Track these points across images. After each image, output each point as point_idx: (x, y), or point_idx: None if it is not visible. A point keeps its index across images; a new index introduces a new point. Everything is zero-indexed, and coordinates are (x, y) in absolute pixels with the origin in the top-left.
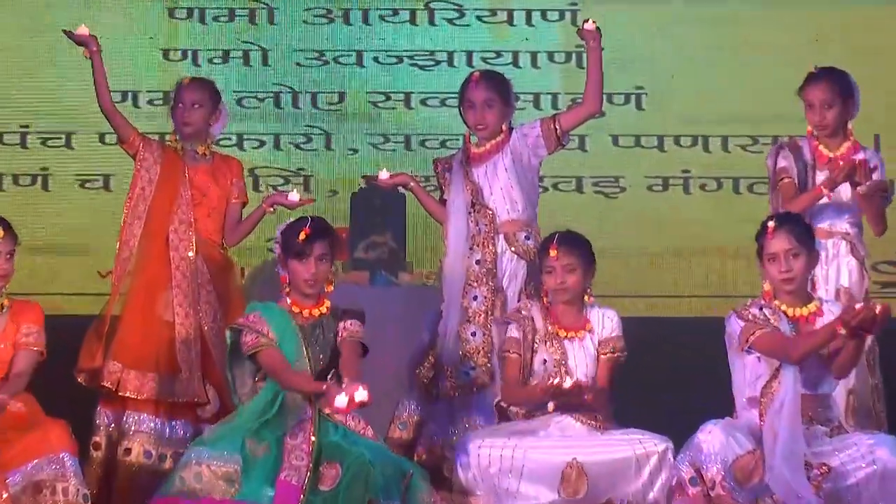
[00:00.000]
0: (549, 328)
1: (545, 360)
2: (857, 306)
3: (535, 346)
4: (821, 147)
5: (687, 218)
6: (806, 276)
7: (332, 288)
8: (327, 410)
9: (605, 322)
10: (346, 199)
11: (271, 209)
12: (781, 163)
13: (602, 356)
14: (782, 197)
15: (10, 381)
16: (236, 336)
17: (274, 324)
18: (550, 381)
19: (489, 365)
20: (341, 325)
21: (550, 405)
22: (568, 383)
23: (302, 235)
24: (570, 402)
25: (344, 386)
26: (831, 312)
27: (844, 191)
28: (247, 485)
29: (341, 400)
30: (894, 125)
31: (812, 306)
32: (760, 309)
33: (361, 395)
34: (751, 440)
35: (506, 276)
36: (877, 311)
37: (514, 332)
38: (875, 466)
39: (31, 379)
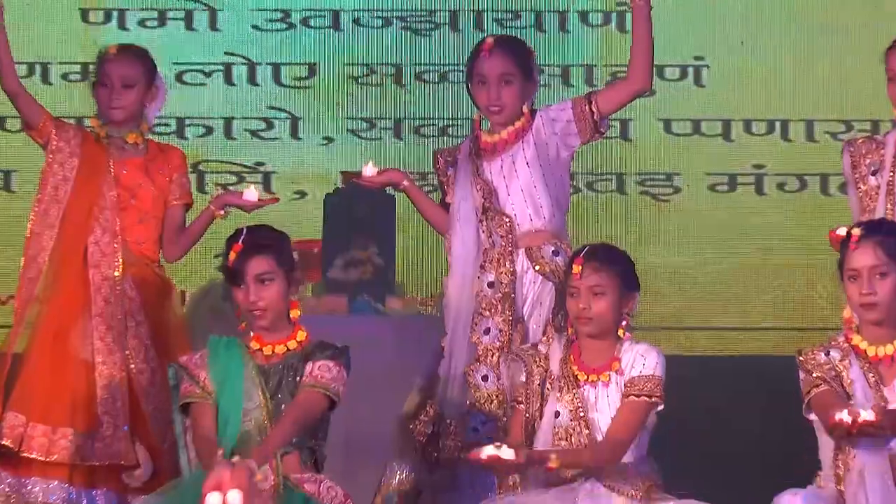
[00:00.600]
0: (566, 369)
1: (557, 413)
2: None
3: (546, 392)
4: None
5: (760, 226)
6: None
7: (298, 312)
8: None
9: (637, 360)
10: (319, 203)
11: (222, 213)
12: (846, 168)
13: (625, 398)
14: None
15: None
16: (177, 379)
17: (217, 369)
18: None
19: (505, 419)
20: (309, 365)
21: (553, 458)
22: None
23: (232, 254)
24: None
25: (226, 470)
26: None
27: None
28: None
29: (212, 500)
30: None
31: None
32: (827, 353)
33: (234, 499)
34: None
35: (527, 302)
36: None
37: (520, 374)
38: None
39: None
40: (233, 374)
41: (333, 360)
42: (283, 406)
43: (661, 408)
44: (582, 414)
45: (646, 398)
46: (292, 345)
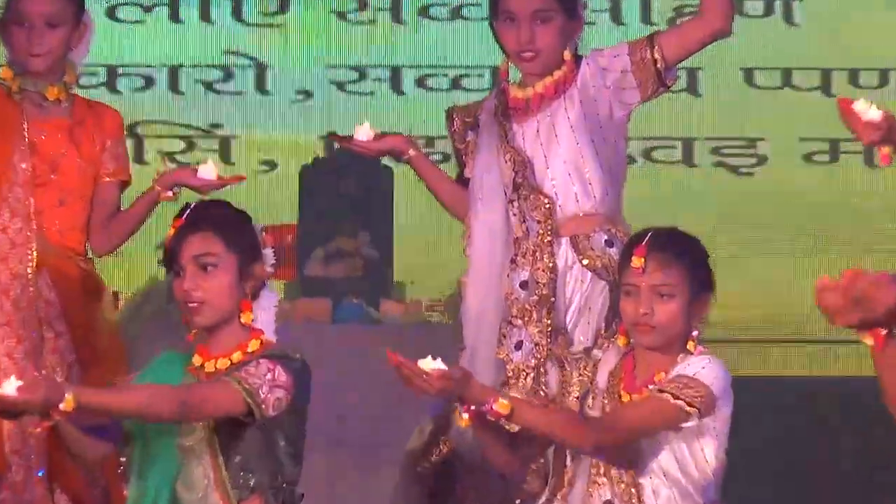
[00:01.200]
0: (613, 383)
1: None
2: None
3: (587, 410)
4: None
5: (872, 207)
6: None
7: (251, 315)
8: None
9: (690, 366)
10: (293, 177)
11: (169, 194)
12: None
13: (656, 391)
14: None
15: None
16: None
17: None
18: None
19: (543, 461)
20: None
21: (501, 404)
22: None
23: (171, 230)
24: None
25: None
26: None
27: None
28: None
29: None
30: None
31: None
32: None
33: None
34: None
35: (572, 307)
36: None
37: (553, 383)
38: None
39: None
40: None
41: (273, 360)
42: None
43: (689, 424)
44: None
45: (681, 401)
46: (238, 357)
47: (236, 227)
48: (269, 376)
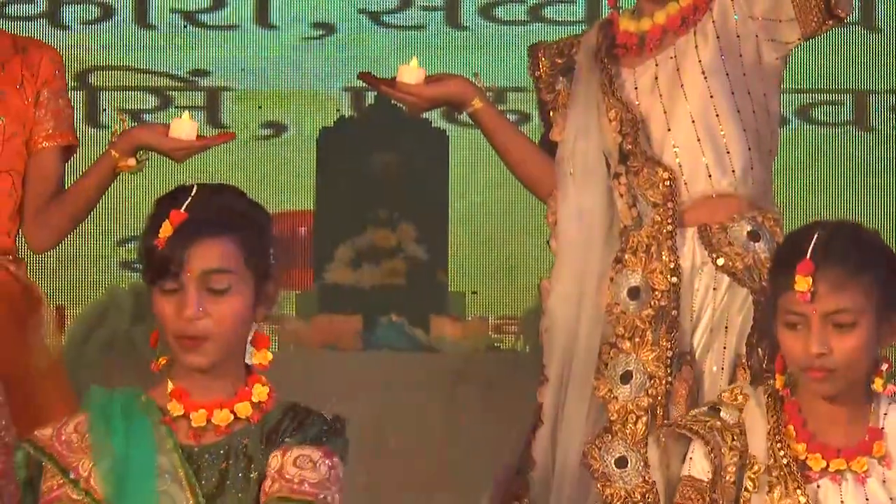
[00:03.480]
0: (782, 453)
1: None
2: None
3: (746, 495)
4: None
5: None
6: None
7: (269, 356)
8: None
9: None
10: (309, 143)
11: (132, 162)
12: None
13: None
14: None
15: None
16: (34, 466)
17: (110, 454)
18: None
19: None
20: (276, 456)
21: None
22: None
23: (165, 227)
24: None
25: None
26: None
27: None
28: None
29: None
30: None
31: None
32: None
33: None
34: None
35: (701, 325)
36: None
37: (697, 462)
38: None
39: None
40: (140, 462)
41: (320, 446)
42: None
43: None
44: None
45: None
46: (244, 410)
47: (259, 231)
48: (332, 475)
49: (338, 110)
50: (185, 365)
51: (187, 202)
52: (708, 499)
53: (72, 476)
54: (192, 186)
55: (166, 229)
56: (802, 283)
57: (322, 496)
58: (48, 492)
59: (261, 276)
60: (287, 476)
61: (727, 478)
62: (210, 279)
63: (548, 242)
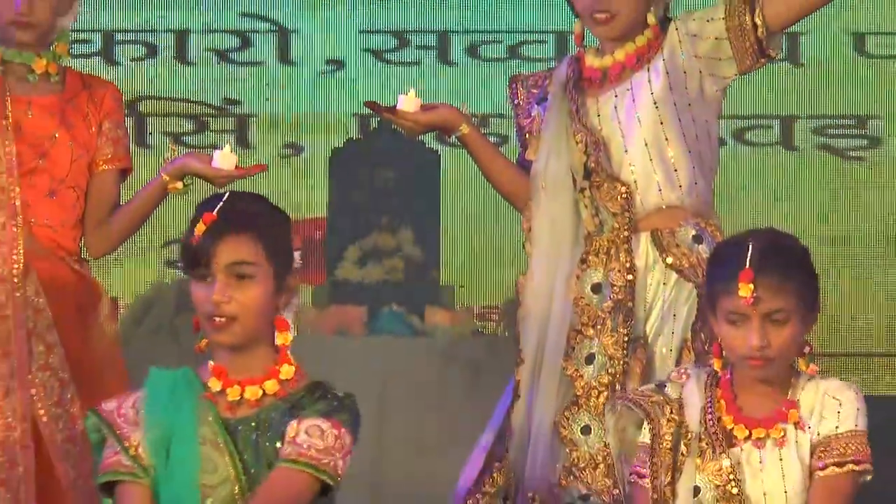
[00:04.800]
0: (714, 423)
1: (697, 489)
2: None
3: (682, 458)
4: None
5: None
6: None
7: (289, 336)
8: None
9: (826, 407)
10: (322, 162)
11: (179, 185)
12: None
13: (817, 473)
14: None
15: None
16: (98, 432)
17: (157, 426)
18: None
19: (617, 491)
20: (292, 426)
21: None
22: None
23: (199, 229)
24: None
25: None
26: None
27: None
28: None
29: None
30: None
31: None
32: None
33: None
34: None
35: (653, 314)
36: None
37: (646, 432)
38: None
39: None
40: (184, 432)
41: (329, 417)
42: (261, 479)
43: (869, 477)
44: (736, 490)
45: (852, 466)
46: (272, 387)
47: (277, 230)
48: (338, 444)
49: (347, 134)
50: (214, 343)
51: (218, 206)
52: (657, 462)
53: (125, 445)
54: (224, 193)
55: (200, 228)
56: (745, 289)
57: (326, 461)
58: (106, 457)
59: (281, 269)
60: (297, 442)
61: (664, 444)
62: (235, 269)
63: (524, 245)
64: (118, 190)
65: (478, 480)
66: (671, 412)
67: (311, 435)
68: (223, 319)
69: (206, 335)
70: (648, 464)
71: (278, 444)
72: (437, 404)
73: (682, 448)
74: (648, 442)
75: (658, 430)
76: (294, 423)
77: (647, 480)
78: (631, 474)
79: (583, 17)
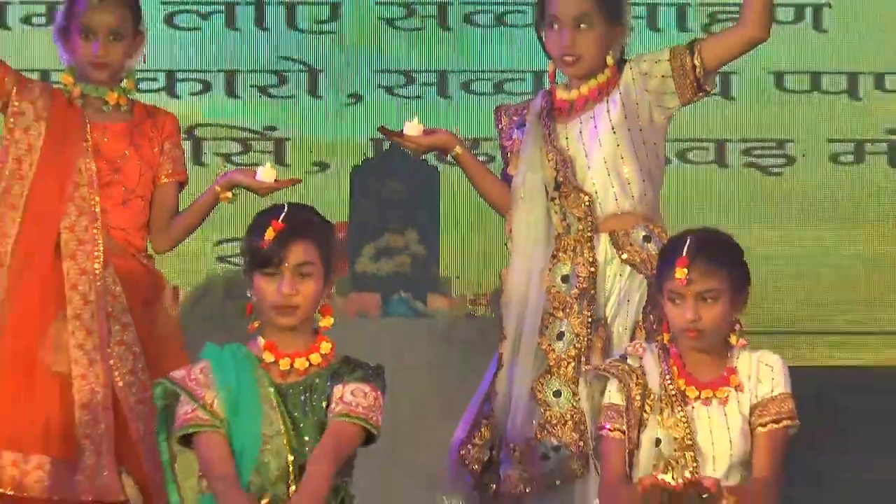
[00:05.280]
0: (670, 386)
1: (658, 440)
2: None
3: (646, 415)
4: None
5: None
6: None
7: (332, 320)
8: None
9: (761, 373)
10: (344, 177)
11: (228, 195)
12: None
13: (758, 429)
14: None
15: None
16: (170, 397)
17: (227, 388)
18: (656, 477)
19: (582, 443)
20: (338, 389)
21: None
22: (679, 480)
23: (269, 234)
24: None
25: None
26: None
27: None
28: None
29: None
30: None
31: None
32: None
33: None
34: None
35: (611, 300)
36: None
37: (614, 394)
38: None
39: None
40: (247, 393)
41: (368, 382)
42: (305, 437)
43: (795, 430)
44: (689, 442)
45: (787, 422)
46: (315, 359)
47: (328, 236)
48: (376, 403)
49: (364, 154)
50: (279, 325)
51: (283, 215)
52: (624, 417)
53: (201, 403)
54: (284, 205)
55: (270, 234)
56: (681, 273)
57: (370, 416)
58: (184, 415)
59: (329, 267)
60: (346, 401)
61: (635, 404)
62: (300, 269)
63: (506, 244)
64: (177, 199)
65: (469, 434)
66: (637, 378)
67: (356, 396)
68: (290, 307)
69: (270, 318)
70: (623, 420)
71: (324, 404)
72: (437, 374)
73: (647, 407)
74: (619, 403)
75: (629, 392)
76: (339, 386)
77: (619, 433)
78: (600, 429)
79: (555, 59)
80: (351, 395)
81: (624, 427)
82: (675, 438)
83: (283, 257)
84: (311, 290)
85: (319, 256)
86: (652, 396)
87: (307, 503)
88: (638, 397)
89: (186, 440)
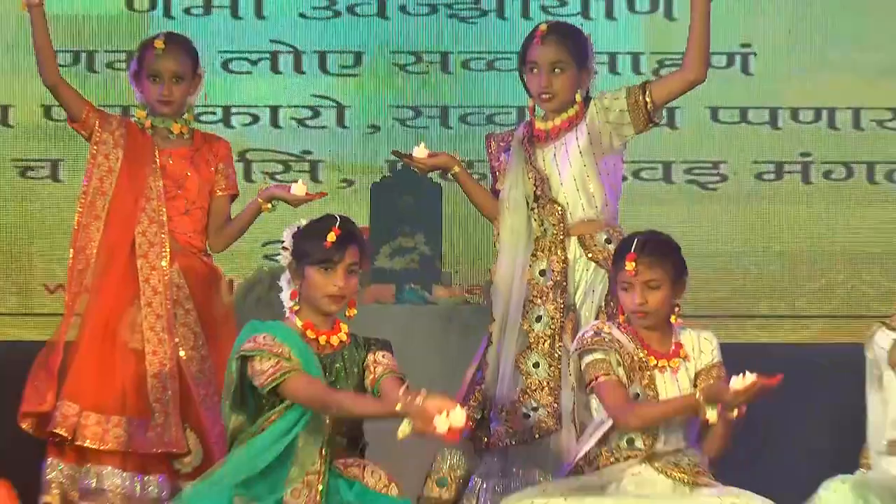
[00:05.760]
0: (638, 355)
1: (637, 395)
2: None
3: (631, 375)
4: None
5: (807, 214)
6: None
7: (355, 311)
8: (427, 435)
9: (703, 347)
10: (365, 191)
11: (269, 206)
12: None
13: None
14: None
15: None
16: (244, 366)
17: (294, 348)
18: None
19: (556, 405)
20: (371, 357)
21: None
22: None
23: (331, 237)
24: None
25: (430, 402)
26: None
27: None
28: None
29: (442, 424)
30: None
31: None
32: None
33: (459, 416)
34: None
35: (579, 290)
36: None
37: (599, 358)
38: None
39: None
40: (306, 356)
41: (386, 350)
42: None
43: None
44: (653, 396)
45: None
46: (342, 337)
47: (366, 244)
48: (397, 365)
49: (382, 174)
50: (327, 311)
51: (338, 223)
52: (613, 369)
53: (283, 355)
54: (336, 215)
55: (332, 237)
56: (630, 265)
57: (398, 368)
58: (269, 371)
59: (365, 267)
60: (383, 364)
61: (621, 364)
62: (351, 267)
63: (494, 245)
64: (229, 209)
65: (466, 396)
66: (617, 346)
67: (386, 359)
68: (341, 297)
69: (319, 305)
70: (613, 371)
71: (356, 370)
72: (440, 349)
73: (621, 372)
74: (602, 356)
75: (621, 356)
76: (370, 355)
77: (614, 377)
78: (593, 381)
79: (534, 97)
80: (383, 359)
81: (615, 375)
82: (649, 395)
83: (340, 257)
84: (354, 285)
85: (362, 259)
86: (633, 361)
87: (380, 407)
88: (619, 360)
89: (274, 392)
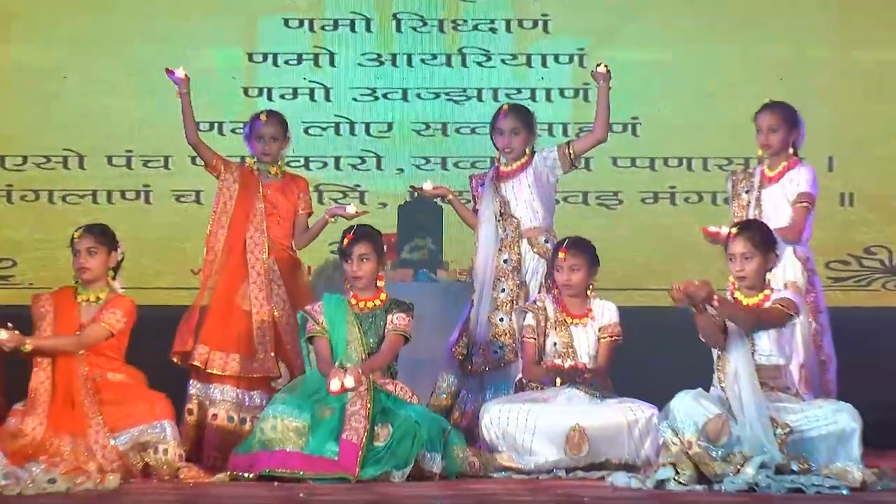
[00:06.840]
0: (559, 316)
1: (555, 343)
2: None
3: (548, 331)
4: (765, 168)
5: (674, 225)
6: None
7: (383, 282)
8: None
9: (604, 311)
10: (395, 211)
11: (332, 219)
12: (729, 189)
13: (602, 340)
14: None
15: (70, 336)
16: (303, 320)
17: (328, 314)
18: (553, 361)
19: (514, 345)
20: (390, 317)
21: (558, 381)
22: (567, 364)
23: (345, 240)
24: (572, 377)
25: (340, 372)
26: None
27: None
28: (314, 440)
29: (334, 385)
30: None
31: (761, 295)
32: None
33: (348, 381)
34: (718, 405)
35: (528, 272)
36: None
37: (530, 319)
38: (836, 426)
39: (135, 358)
40: (339, 319)
41: (405, 312)
42: (371, 340)
43: (620, 339)
44: (570, 344)
45: (615, 338)
46: (377, 302)
47: (377, 238)
48: (410, 323)
49: (405, 199)
50: (355, 289)
51: (353, 230)
52: (535, 331)
53: (319, 321)
54: (356, 226)
55: (346, 241)
56: (561, 254)
57: (407, 330)
58: (310, 327)
59: (380, 255)
60: (395, 323)
61: (540, 325)
62: (361, 257)
63: (475, 244)
64: (307, 221)
65: (456, 340)
66: (541, 311)
67: (399, 320)
68: (357, 278)
69: (351, 286)
70: (534, 332)
71: (381, 324)
72: (441, 310)
73: (547, 326)
74: (532, 324)
75: (538, 319)
76: (391, 316)
77: (532, 339)
78: (523, 338)
79: (500, 150)
80: (397, 320)
81: (535, 336)
82: (564, 342)
83: (352, 252)
84: (369, 268)
85: (372, 249)
86: (549, 321)
87: (374, 363)
88: (542, 321)
89: (311, 340)
